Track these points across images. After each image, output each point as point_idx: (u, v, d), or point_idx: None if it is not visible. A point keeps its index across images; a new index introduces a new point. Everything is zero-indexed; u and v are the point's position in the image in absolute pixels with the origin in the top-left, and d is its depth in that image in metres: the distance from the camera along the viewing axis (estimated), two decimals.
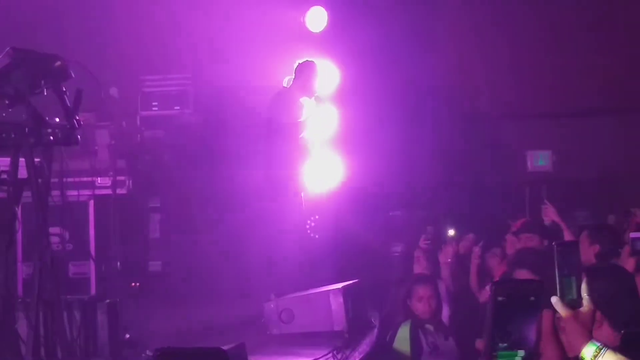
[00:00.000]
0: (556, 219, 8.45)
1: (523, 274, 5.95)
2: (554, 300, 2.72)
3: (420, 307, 7.44)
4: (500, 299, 2.34)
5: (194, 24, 11.18)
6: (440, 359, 7.25)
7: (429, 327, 7.38)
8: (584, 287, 2.77)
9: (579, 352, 2.77)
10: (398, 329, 7.29)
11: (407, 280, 7.94)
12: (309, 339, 7.72)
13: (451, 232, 8.75)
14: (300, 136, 9.59)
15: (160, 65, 11.63)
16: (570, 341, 2.73)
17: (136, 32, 11.08)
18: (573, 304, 2.73)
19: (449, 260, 8.56)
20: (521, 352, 2.32)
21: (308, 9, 11.59)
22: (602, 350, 2.81)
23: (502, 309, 2.33)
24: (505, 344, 2.31)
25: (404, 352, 7.17)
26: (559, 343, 2.08)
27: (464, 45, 13.30)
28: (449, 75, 13.33)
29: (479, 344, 6.96)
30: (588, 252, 6.78)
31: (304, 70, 9.75)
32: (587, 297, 2.79)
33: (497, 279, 7.67)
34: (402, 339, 7.20)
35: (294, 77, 9.77)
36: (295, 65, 9.81)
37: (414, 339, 7.20)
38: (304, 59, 9.88)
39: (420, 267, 8.94)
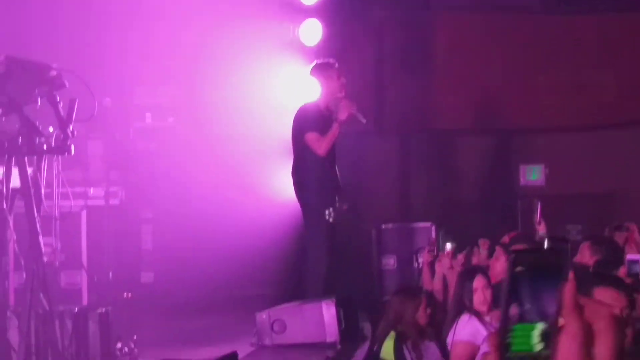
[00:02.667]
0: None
1: None
2: None
3: (476, 298, 7.09)
4: (518, 269, 2.22)
5: (188, 37, 11.19)
6: None
7: (488, 319, 7.03)
8: None
9: None
10: (384, 341, 7.22)
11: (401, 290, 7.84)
12: (301, 350, 7.69)
13: (449, 244, 8.66)
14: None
15: (154, 77, 11.62)
16: None
17: (130, 43, 11.10)
18: None
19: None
20: (540, 325, 2.21)
21: (302, 22, 11.47)
22: None
23: (520, 280, 2.21)
24: (523, 317, 2.21)
25: None
26: (581, 316, 2.01)
27: (457, 62, 13.32)
28: (444, 92, 13.34)
29: (494, 315, 6.83)
30: (587, 262, 6.92)
31: (325, 73, 8.75)
32: None
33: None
34: (387, 352, 7.15)
35: (317, 83, 8.78)
36: (311, 70, 8.89)
37: (398, 352, 7.13)
38: (321, 61, 8.96)
39: (426, 278, 8.85)
